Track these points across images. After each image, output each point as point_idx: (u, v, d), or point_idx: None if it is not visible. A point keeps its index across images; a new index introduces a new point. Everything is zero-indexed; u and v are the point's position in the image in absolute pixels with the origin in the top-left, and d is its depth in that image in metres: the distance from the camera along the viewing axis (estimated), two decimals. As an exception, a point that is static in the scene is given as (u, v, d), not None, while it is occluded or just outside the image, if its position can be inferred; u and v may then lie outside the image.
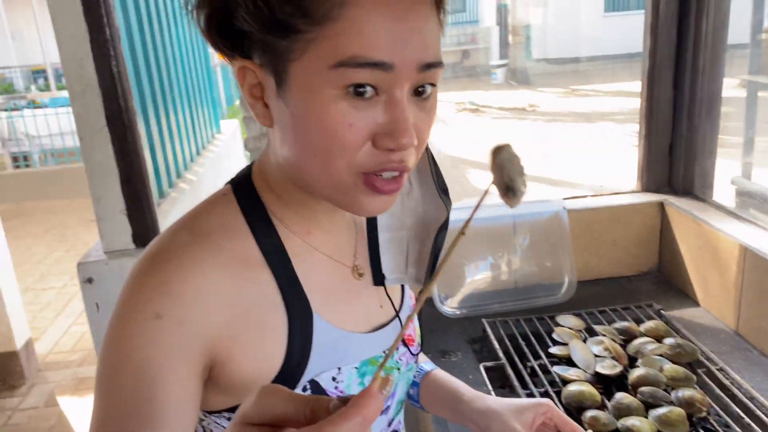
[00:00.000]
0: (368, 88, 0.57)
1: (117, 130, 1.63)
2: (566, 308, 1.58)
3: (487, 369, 1.34)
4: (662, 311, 1.52)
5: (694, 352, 1.32)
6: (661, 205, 1.74)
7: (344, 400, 0.39)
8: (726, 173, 1.97)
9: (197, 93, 3.13)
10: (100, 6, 1.54)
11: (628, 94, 10.41)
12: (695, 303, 1.62)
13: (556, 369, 1.30)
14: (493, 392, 1.26)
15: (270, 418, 0.41)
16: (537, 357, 1.38)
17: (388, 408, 0.78)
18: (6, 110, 7.83)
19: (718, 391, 1.22)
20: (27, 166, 7.78)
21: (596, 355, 1.33)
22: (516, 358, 1.37)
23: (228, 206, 0.68)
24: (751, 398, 1.19)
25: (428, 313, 1.60)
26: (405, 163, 0.61)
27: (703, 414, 1.15)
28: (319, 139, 0.59)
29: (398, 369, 0.79)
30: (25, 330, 3.40)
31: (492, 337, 1.45)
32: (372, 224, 0.80)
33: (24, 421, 3.01)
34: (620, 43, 13.56)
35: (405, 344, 0.81)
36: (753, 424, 1.12)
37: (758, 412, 1.15)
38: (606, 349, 1.34)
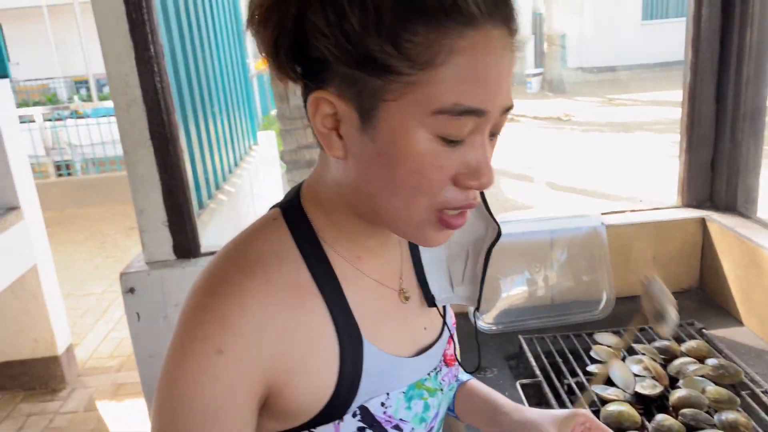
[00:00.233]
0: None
1: (160, 144, 1.67)
2: (604, 325, 1.55)
3: (523, 386, 1.33)
4: (704, 330, 1.49)
5: (737, 373, 1.28)
6: (703, 221, 1.71)
7: None
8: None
9: (235, 105, 3.19)
10: (145, 24, 1.58)
11: (667, 104, 10.23)
12: (738, 322, 1.58)
13: (595, 388, 1.28)
14: (529, 410, 1.24)
15: None
16: (574, 375, 1.36)
17: (432, 429, 0.78)
18: (50, 120, 8.08)
19: (763, 414, 1.19)
20: (69, 174, 8.01)
21: (636, 375, 1.31)
22: (553, 376, 1.35)
23: (278, 232, 0.68)
24: (799, 423, 1.15)
25: (463, 329, 1.59)
26: (476, 200, 0.64)
27: (748, 438, 1.12)
28: (408, 178, 0.59)
29: (441, 390, 0.79)
30: (67, 335, 3.49)
31: (528, 353, 1.44)
32: (415, 245, 0.81)
33: (65, 424, 3.09)
34: (659, 51, 13.36)
35: (446, 364, 0.82)
36: (801, 451, 1.08)
37: (806, 438, 1.11)
38: (646, 368, 1.32)
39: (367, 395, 0.68)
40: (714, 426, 1.15)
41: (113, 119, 1.66)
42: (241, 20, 3.51)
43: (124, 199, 1.81)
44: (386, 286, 0.74)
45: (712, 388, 1.24)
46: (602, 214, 1.73)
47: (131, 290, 1.72)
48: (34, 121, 7.84)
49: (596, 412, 1.22)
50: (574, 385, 1.32)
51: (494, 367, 1.46)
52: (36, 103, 10.87)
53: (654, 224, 1.71)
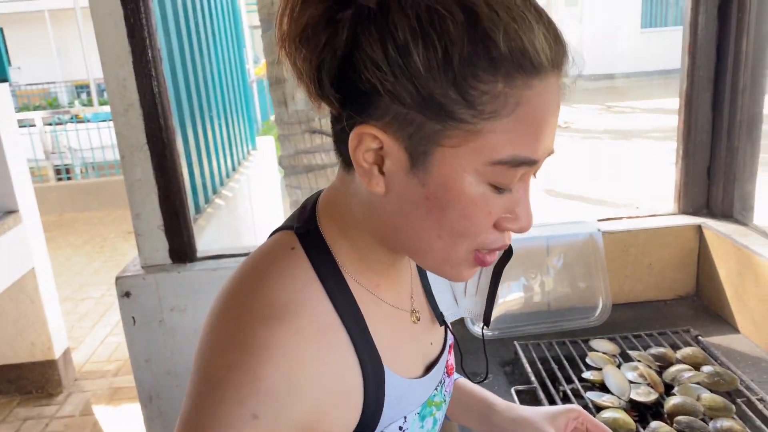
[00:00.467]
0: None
1: (157, 148, 1.67)
2: (600, 332, 1.55)
3: (518, 392, 1.33)
4: (700, 337, 1.49)
5: (733, 381, 1.28)
6: (699, 228, 1.71)
7: None
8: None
9: (234, 110, 3.20)
10: (143, 28, 1.59)
11: (666, 111, 10.24)
12: (734, 329, 1.58)
13: (590, 395, 1.28)
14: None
15: None
16: (570, 381, 1.36)
17: None
18: (50, 124, 8.09)
19: (758, 422, 1.18)
20: (69, 178, 8.02)
21: (631, 381, 1.31)
22: (548, 382, 1.35)
23: (300, 265, 0.63)
24: (794, 431, 1.15)
25: (459, 335, 1.59)
26: (511, 240, 0.64)
27: (743, 446, 1.12)
28: (456, 223, 0.59)
29: (445, 401, 0.80)
30: (64, 339, 3.48)
31: (524, 359, 1.44)
32: None
33: (60, 429, 3.08)
34: (658, 59, 13.38)
35: (447, 374, 0.82)
36: (795, 459, 1.08)
37: (801, 446, 1.11)
38: (641, 375, 1.32)
39: (388, 422, 0.68)
40: (709, 433, 1.14)
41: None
42: (241, 25, 3.52)
43: (123, 204, 1.80)
44: (401, 309, 0.73)
45: (707, 396, 1.23)
46: (599, 220, 1.73)
47: (127, 294, 1.71)
48: (34, 125, 7.86)
49: (591, 419, 1.21)
50: (569, 392, 1.31)
51: (490, 373, 1.46)
52: (36, 108, 10.89)
53: (650, 231, 1.71)
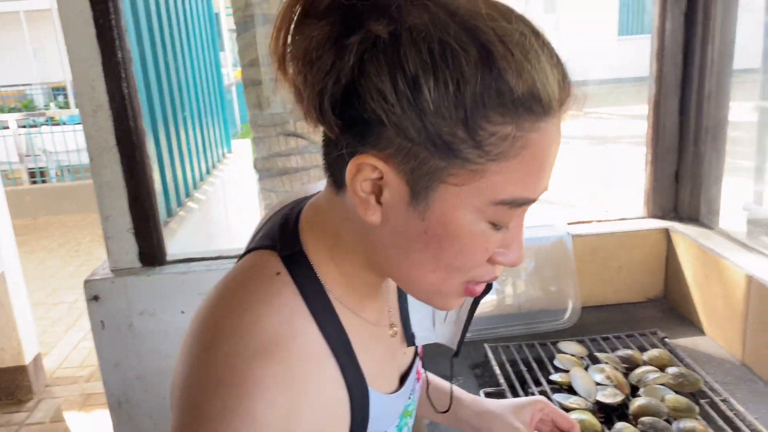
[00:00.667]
0: None
1: (126, 150, 1.66)
2: (570, 334, 1.57)
3: (487, 395, 1.33)
4: (666, 339, 1.51)
5: (697, 382, 1.30)
6: (667, 232, 1.73)
7: None
8: (741, 199, 1.95)
9: (208, 112, 3.17)
10: (113, 29, 1.57)
11: (641, 117, 10.35)
12: (701, 332, 1.60)
13: (557, 397, 1.29)
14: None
15: None
16: (538, 383, 1.36)
17: None
18: (25, 126, 7.97)
19: (721, 422, 1.20)
20: (44, 181, 7.90)
21: (598, 383, 1.32)
22: (517, 385, 1.36)
23: (286, 292, 0.61)
24: (756, 431, 1.17)
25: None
26: (501, 271, 0.64)
27: (705, 446, 1.13)
28: (453, 259, 0.58)
29: (415, 407, 0.80)
30: (35, 345, 3.42)
31: (493, 362, 1.44)
32: None
33: (30, 436, 3.03)
34: (635, 65, 13.56)
35: (416, 380, 0.82)
36: (755, 458, 1.10)
37: (761, 446, 1.13)
38: (608, 377, 1.33)
39: None
40: (672, 434, 1.16)
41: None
42: (216, 28, 3.50)
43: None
44: (381, 325, 0.73)
45: (671, 397, 1.25)
46: (568, 224, 1.74)
47: (95, 298, 1.69)
48: (8, 128, 7.73)
49: (557, 421, 1.22)
50: (537, 394, 1.32)
51: (459, 376, 1.46)
52: (12, 110, 10.72)
53: (619, 234, 1.73)
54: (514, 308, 1.69)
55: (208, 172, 3.01)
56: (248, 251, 0.67)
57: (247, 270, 0.63)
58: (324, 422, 0.60)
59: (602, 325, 1.65)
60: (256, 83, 2.31)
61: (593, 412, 1.24)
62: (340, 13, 0.54)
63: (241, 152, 3.62)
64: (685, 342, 1.55)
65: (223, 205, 2.87)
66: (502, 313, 1.67)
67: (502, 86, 0.51)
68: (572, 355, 1.44)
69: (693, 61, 1.67)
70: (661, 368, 1.37)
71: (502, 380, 1.37)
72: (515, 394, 1.32)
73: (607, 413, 1.26)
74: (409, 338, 0.79)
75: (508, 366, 1.44)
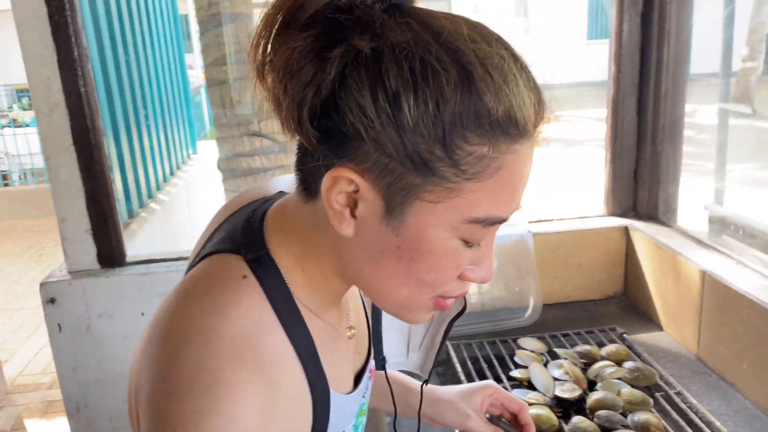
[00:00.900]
0: None
1: (83, 150, 1.63)
2: (531, 331, 1.58)
3: (448, 392, 1.34)
4: (625, 335, 1.53)
5: (652, 375, 1.32)
6: (626, 230, 1.76)
7: None
8: (703, 199, 1.99)
9: (172, 114, 3.14)
10: (68, 26, 1.54)
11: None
12: (659, 327, 1.63)
13: (516, 392, 1.30)
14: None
15: None
16: (499, 380, 1.37)
17: None
18: (-14, 129, 7.79)
19: (675, 415, 1.22)
20: (6, 184, 7.71)
21: (556, 379, 1.33)
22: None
23: (253, 295, 0.60)
24: (708, 423, 1.19)
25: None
26: (469, 287, 0.65)
27: (659, 438, 1.15)
28: (425, 274, 0.59)
29: (367, 408, 0.81)
30: (-5, 351, 3.34)
31: (455, 359, 1.45)
32: None
33: (-11, 444, 2.95)
34: (602, 69, 13.75)
35: (369, 378, 0.83)
36: (707, 449, 1.12)
37: (713, 437, 1.15)
38: (566, 372, 1.34)
39: None
40: (627, 427, 1.17)
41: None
42: (180, 27, 3.46)
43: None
44: (341, 328, 0.73)
45: (627, 390, 1.27)
46: (529, 222, 1.76)
47: (52, 300, 1.66)
48: (-32, 130, 7.55)
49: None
50: (496, 390, 1.33)
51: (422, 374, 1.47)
52: (-27, 112, 10.46)
53: (579, 232, 1.76)
54: (478, 306, 1.70)
55: (171, 173, 2.97)
56: (207, 254, 0.65)
57: (212, 274, 0.62)
58: (293, 423, 0.60)
59: (563, 322, 1.67)
60: (219, 83, 2.29)
61: (551, 407, 1.25)
62: (323, 25, 0.54)
63: (208, 153, 3.58)
64: (643, 338, 1.57)
65: (187, 207, 2.84)
66: (466, 312, 1.68)
67: (480, 107, 0.52)
68: (532, 351, 1.45)
69: (650, 62, 1.70)
70: (619, 363, 1.39)
71: (463, 378, 1.38)
72: (476, 391, 1.33)
73: (565, 408, 1.27)
74: (380, 362, 0.80)
75: (469, 363, 1.45)
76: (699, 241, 1.58)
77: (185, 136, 3.39)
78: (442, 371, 1.48)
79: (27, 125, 7.97)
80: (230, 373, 0.54)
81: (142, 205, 2.44)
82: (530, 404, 1.25)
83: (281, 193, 0.75)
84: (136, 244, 2.09)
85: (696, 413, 1.22)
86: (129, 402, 0.69)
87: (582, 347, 1.46)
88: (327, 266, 0.64)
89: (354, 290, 0.81)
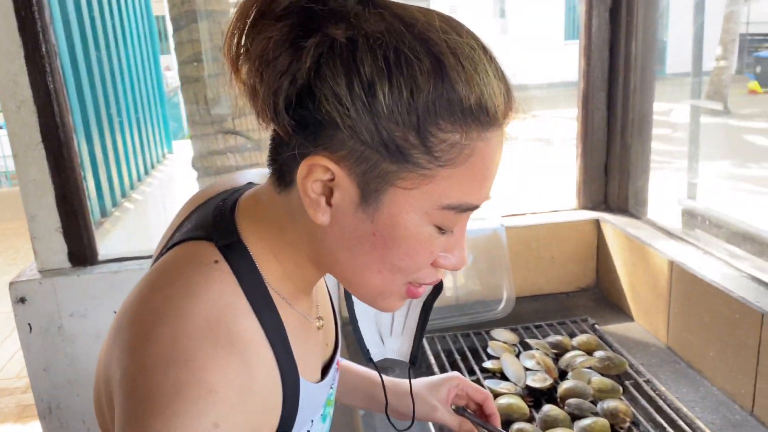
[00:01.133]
0: None
1: (52, 147, 1.60)
2: (505, 323, 1.59)
3: (421, 384, 1.34)
4: (596, 326, 1.55)
5: (622, 364, 1.34)
6: (597, 223, 1.78)
7: None
8: (676, 194, 2.03)
9: (146, 112, 3.11)
10: (36, 22, 1.52)
11: (586, 119, 10.59)
12: (630, 318, 1.65)
13: (488, 383, 1.31)
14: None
15: None
16: (472, 372, 1.38)
17: None
18: (-41, 131, 7.64)
19: (644, 402, 1.24)
20: (-21, 187, 7.58)
21: (528, 369, 1.35)
22: (450, 373, 1.37)
23: (226, 281, 0.60)
24: (676, 409, 1.21)
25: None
26: (443, 275, 0.66)
27: (627, 424, 1.17)
28: (398, 260, 0.60)
29: (334, 398, 0.81)
30: (-33, 356, 3.28)
31: (429, 352, 1.46)
32: None
33: (-39, 451, 2.89)
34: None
35: (336, 370, 0.83)
36: (674, 434, 1.14)
37: (681, 423, 1.17)
38: (538, 362, 1.36)
39: (300, 427, 0.68)
40: (596, 414, 1.19)
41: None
42: (154, 24, 3.44)
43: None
44: (311, 318, 0.74)
45: (597, 379, 1.29)
46: (502, 216, 1.77)
47: (22, 300, 1.63)
48: (-61, 132, 7.40)
49: (488, 406, 1.24)
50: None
51: (396, 367, 1.47)
52: (-55, 114, 10.28)
53: (552, 226, 1.77)
54: (452, 300, 1.71)
55: (146, 172, 2.95)
56: (176, 243, 0.65)
57: (182, 259, 0.62)
58: (265, 406, 0.61)
59: (536, 314, 1.69)
60: (193, 80, 2.28)
61: (522, 396, 1.27)
62: (298, 15, 0.55)
63: (184, 153, 3.56)
64: (614, 328, 1.60)
65: (162, 206, 2.81)
66: (439, 305, 1.69)
67: (452, 96, 0.54)
68: (504, 343, 1.46)
69: (618, 57, 1.72)
70: (589, 353, 1.40)
71: (437, 370, 1.38)
72: (449, 383, 1.33)
73: (537, 397, 1.29)
74: (366, 354, 0.83)
75: (443, 356, 1.46)
76: (668, 233, 1.60)
77: (160, 136, 3.37)
78: (417, 364, 1.48)
79: (1, 127, 7.85)
80: (206, 350, 0.54)
81: (115, 204, 2.42)
82: (502, 394, 1.26)
83: (250, 184, 0.75)
84: (109, 243, 2.07)
85: (664, 400, 1.24)
86: (96, 396, 0.69)
87: (553, 338, 1.47)
88: (300, 255, 0.65)
89: (321, 283, 0.82)
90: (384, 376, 0.96)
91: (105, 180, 2.31)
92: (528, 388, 1.30)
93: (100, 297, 1.65)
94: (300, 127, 0.56)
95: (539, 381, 1.30)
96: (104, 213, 2.27)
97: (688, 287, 1.39)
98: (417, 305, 0.83)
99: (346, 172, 0.56)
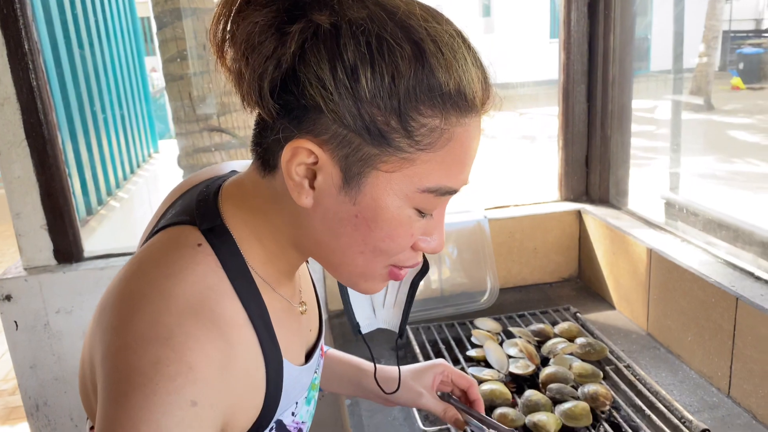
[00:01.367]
0: None
1: (37, 144, 1.61)
2: (489, 314, 1.61)
3: (406, 373, 1.36)
4: (578, 314, 1.57)
5: (603, 350, 1.36)
6: (579, 213, 1.81)
7: None
8: (659, 187, 2.06)
9: (131, 111, 3.10)
10: (18, 19, 1.53)
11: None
12: (611, 307, 1.68)
13: (472, 370, 1.33)
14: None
15: None
16: (456, 361, 1.40)
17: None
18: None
19: (623, 386, 1.26)
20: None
21: (511, 356, 1.37)
22: (435, 362, 1.39)
23: (208, 263, 0.62)
24: (655, 392, 1.23)
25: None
26: (422, 258, 0.68)
27: (607, 407, 1.19)
28: (380, 242, 0.61)
29: (319, 383, 0.83)
30: (-47, 359, 3.26)
31: (414, 343, 1.48)
32: None
33: (-51, 453, 2.88)
34: (565, 68, 13.93)
35: (321, 356, 0.85)
36: (653, 416, 1.16)
37: (659, 405, 1.19)
38: (520, 350, 1.38)
39: (283, 409, 0.69)
40: (577, 398, 1.21)
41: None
42: (138, 23, 3.43)
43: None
44: (294, 302, 0.75)
45: (578, 364, 1.31)
46: (486, 209, 1.80)
47: (8, 297, 1.63)
48: None
49: (471, 393, 1.26)
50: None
51: (382, 358, 1.49)
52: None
53: (534, 217, 1.80)
54: (437, 292, 1.73)
55: (132, 171, 2.95)
56: (160, 229, 0.66)
57: (166, 242, 0.63)
58: (247, 385, 0.62)
59: (519, 304, 1.71)
60: (177, 78, 2.28)
61: (506, 383, 1.29)
62: (283, 1, 0.56)
63: (170, 152, 3.56)
64: (596, 316, 1.62)
65: (148, 204, 2.82)
66: (425, 298, 1.71)
67: (432, 81, 0.56)
68: (488, 332, 1.48)
69: (597, 50, 1.75)
70: (571, 340, 1.43)
71: (421, 359, 1.40)
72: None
73: (519, 383, 1.31)
74: (354, 327, 0.84)
75: (428, 346, 1.47)
76: (648, 222, 1.63)
77: (146, 135, 3.36)
78: (402, 354, 1.50)
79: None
80: (186, 327, 0.55)
81: (101, 202, 2.42)
82: (485, 381, 1.28)
83: (233, 172, 0.76)
84: (95, 241, 2.07)
85: (644, 384, 1.26)
86: (81, 380, 0.70)
87: (536, 326, 1.50)
88: (284, 238, 0.66)
89: (304, 269, 0.84)
90: (369, 363, 0.97)
91: (90, 178, 2.31)
92: (511, 374, 1.32)
93: (86, 294, 1.66)
94: (284, 111, 0.58)
95: (522, 368, 1.32)
96: (90, 211, 2.27)
97: (666, 274, 1.42)
98: (407, 281, 0.84)
99: (329, 155, 0.58)
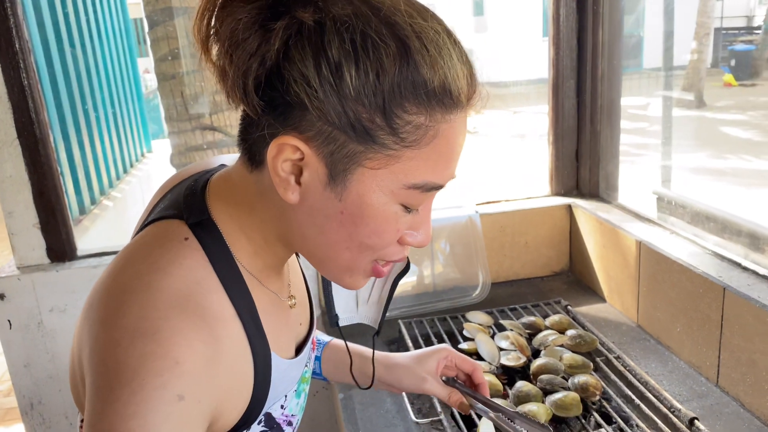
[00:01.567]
0: None
1: (29, 143, 1.61)
2: (481, 308, 1.62)
3: (398, 367, 1.37)
4: (569, 307, 1.59)
5: (593, 341, 1.38)
6: (569, 208, 1.82)
7: None
8: (651, 183, 2.08)
9: (123, 111, 3.10)
10: (9, 18, 1.53)
11: (566, 115, 10.68)
12: (602, 299, 1.69)
13: (464, 363, 1.34)
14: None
15: None
16: (448, 354, 1.41)
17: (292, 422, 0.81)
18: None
19: (613, 376, 1.28)
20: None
21: (502, 349, 1.38)
22: (427, 356, 1.40)
23: (195, 257, 0.62)
24: (644, 383, 1.25)
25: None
26: (408, 252, 0.68)
27: (597, 398, 1.20)
28: (366, 238, 0.62)
29: (310, 376, 0.84)
30: (-53, 360, 3.26)
31: (407, 337, 1.49)
32: None
33: (-57, 455, 2.87)
34: (558, 66, 13.96)
35: (312, 350, 0.85)
36: (643, 405, 1.18)
37: (649, 395, 1.21)
38: (512, 342, 1.39)
39: (272, 402, 0.70)
40: (567, 389, 1.22)
41: None
42: (129, 23, 3.43)
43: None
44: (282, 296, 0.75)
45: (568, 355, 1.32)
46: (477, 204, 1.81)
47: (1, 296, 1.64)
48: None
49: (463, 385, 1.27)
50: (445, 363, 1.37)
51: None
52: None
53: (525, 212, 1.81)
54: (429, 287, 1.74)
55: (125, 170, 2.95)
56: (149, 223, 0.67)
57: (153, 237, 0.64)
58: (234, 379, 0.62)
59: (511, 298, 1.72)
60: (169, 77, 2.29)
61: (497, 375, 1.30)
62: None
63: (163, 152, 3.56)
64: (587, 309, 1.64)
65: (141, 203, 2.82)
66: (417, 293, 1.72)
67: (417, 78, 0.55)
68: (479, 325, 1.49)
69: (586, 45, 1.76)
70: (562, 332, 1.44)
71: (413, 353, 1.41)
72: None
73: (511, 375, 1.32)
74: (332, 319, 0.84)
75: (420, 340, 1.48)
76: (637, 215, 1.65)
77: (138, 135, 3.36)
78: (395, 348, 1.51)
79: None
80: (173, 322, 0.56)
81: (94, 202, 2.42)
82: (476, 372, 1.29)
83: (222, 166, 0.77)
84: (88, 240, 2.07)
85: (634, 375, 1.28)
86: (71, 374, 0.70)
87: (527, 319, 1.51)
88: (270, 233, 0.67)
89: (294, 263, 0.84)
90: (370, 351, 0.98)
91: (83, 177, 2.32)
92: (502, 366, 1.33)
93: (79, 292, 1.66)
94: (269, 108, 0.58)
95: (513, 360, 1.34)
96: (83, 211, 2.27)
97: (655, 266, 1.43)
98: (387, 280, 0.85)
99: (315, 151, 0.58)
